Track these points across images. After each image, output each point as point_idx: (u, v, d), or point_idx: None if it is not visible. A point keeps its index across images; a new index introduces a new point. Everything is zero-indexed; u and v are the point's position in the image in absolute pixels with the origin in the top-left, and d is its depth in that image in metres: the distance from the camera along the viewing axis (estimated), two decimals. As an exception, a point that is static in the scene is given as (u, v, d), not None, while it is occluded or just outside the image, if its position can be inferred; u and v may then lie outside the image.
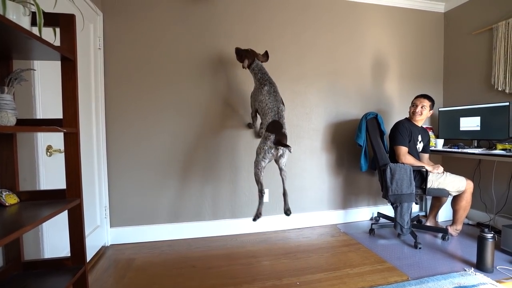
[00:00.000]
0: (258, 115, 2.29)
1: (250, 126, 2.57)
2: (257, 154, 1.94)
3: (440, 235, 2.49)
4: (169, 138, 2.43)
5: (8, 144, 1.18)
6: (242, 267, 1.97)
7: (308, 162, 2.77)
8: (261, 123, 2.10)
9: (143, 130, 2.39)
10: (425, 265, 1.97)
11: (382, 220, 2.89)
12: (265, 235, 2.58)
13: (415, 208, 3.15)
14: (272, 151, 1.88)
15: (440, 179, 2.36)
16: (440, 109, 2.95)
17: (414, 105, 2.48)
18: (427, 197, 3.02)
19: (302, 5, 2.68)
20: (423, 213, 3.14)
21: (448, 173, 2.40)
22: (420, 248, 2.23)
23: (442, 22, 3.13)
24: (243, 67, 2.14)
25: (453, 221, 2.46)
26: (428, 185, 2.34)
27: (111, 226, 2.37)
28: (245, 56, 2.16)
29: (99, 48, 2.27)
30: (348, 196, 2.93)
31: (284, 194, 1.99)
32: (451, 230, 2.45)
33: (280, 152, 1.91)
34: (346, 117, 2.86)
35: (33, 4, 1.08)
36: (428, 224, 2.62)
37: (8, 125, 1.00)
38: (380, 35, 2.92)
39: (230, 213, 2.60)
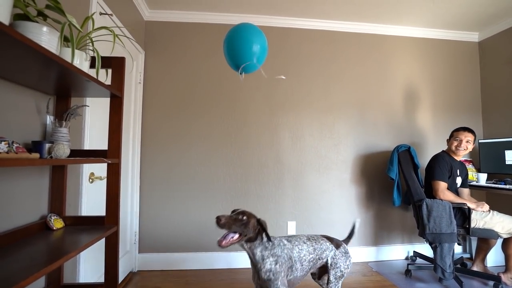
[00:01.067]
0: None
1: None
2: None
3: (490, 283, 2.21)
4: (198, 168, 2.51)
5: (60, 173, 1.30)
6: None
7: (337, 194, 2.69)
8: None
9: (174, 160, 2.50)
10: (474, 318, 1.75)
11: (419, 260, 2.65)
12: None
13: (457, 249, 2.86)
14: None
15: (486, 218, 2.15)
16: (480, 141, 2.77)
17: (457, 139, 2.35)
18: (472, 238, 2.75)
19: (329, 37, 2.77)
20: (467, 255, 2.84)
21: (495, 212, 2.18)
22: (466, 296, 2.00)
23: (476, 51, 3.05)
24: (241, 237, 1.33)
25: (506, 268, 2.19)
26: (472, 225, 2.14)
27: (139, 252, 2.42)
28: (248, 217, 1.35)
29: (139, 83, 2.49)
30: (380, 232, 2.76)
31: None
32: (504, 278, 2.16)
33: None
34: (376, 149, 2.79)
35: (92, 50, 1.24)
36: (475, 269, 2.35)
37: (63, 156, 1.10)
38: (411, 66, 2.90)
39: (256, 244, 2.54)
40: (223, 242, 1.26)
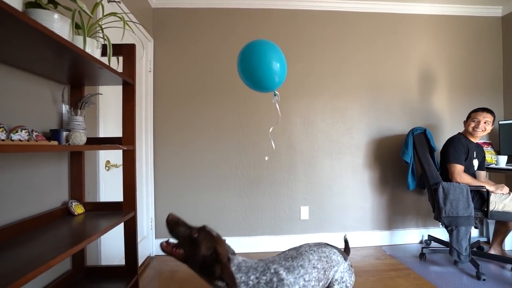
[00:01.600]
0: None
1: None
2: None
3: (508, 266, 2.18)
4: (211, 155, 2.53)
5: (78, 160, 1.33)
6: None
7: (350, 179, 2.67)
8: None
9: (187, 147, 2.52)
10: (491, 300, 1.74)
11: (434, 244, 2.63)
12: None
13: (474, 232, 2.82)
14: None
15: (505, 200, 2.09)
16: (500, 122, 2.65)
17: (475, 120, 2.26)
18: (489, 221, 2.69)
19: (342, 18, 2.67)
20: (484, 239, 2.79)
21: (515, 194, 2.12)
22: (484, 280, 1.98)
23: (499, 27, 2.88)
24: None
25: (524, 251, 2.15)
26: (491, 208, 2.09)
27: (155, 238, 2.49)
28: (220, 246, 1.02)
29: (150, 71, 2.49)
30: (393, 216, 2.73)
31: None
32: (522, 261, 2.13)
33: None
34: (390, 133, 2.72)
35: (103, 38, 1.24)
36: (492, 252, 2.32)
37: (81, 144, 1.13)
38: (427, 45, 2.78)
39: (270, 229, 2.58)
40: (164, 245, 1.02)
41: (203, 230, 1.02)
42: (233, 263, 1.01)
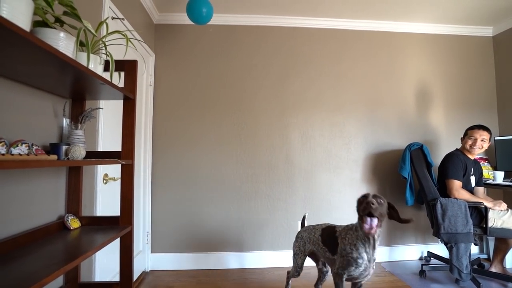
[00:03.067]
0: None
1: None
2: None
3: (510, 285, 2.15)
4: (209, 169, 2.53)
5: (76, 174, 1.33)
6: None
7: (348, 194, 2.66)
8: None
9: (185, 160, 2.52)
10: (493, 320, 1.70)
11: (433, 261, 2.60)
12: (303, 270, 2.45)
13: (474, 249, 2.79)
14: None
15: (504, 217, 2.09)
16: (496, 138, 2.69)
17: (472, 138, 2.28)
18: (489, 237, 2.67)
19: (339, 36, 2.75)
20: (484, 256, 2.76)
21: (513, 211, 2.12)
22: (485, 298, 1.94)
23: (491, 46, 2.97)
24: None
25: (525, 269, 2.12)
26: (489, 224, 2.08)
27: (151, 252, 2.45)
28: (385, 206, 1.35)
29: (150, 85, 2.53)
30: (392, 232, 2.71)
31: None
32: (523, 279, 2.10)
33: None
34: (388, 148, 2.74)
35: (106, 54, 1.27)
36: (493, 270, 2.28)
37: (80, 158, 1.13)
38: (423, 63, 2.85)
39: (268, 244, 2.54)
40: (372, 230, 1.24)
41: (375, 196, 1.31)
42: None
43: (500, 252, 2.30)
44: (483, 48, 2.96)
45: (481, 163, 2.59)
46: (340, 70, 2.73)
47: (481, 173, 2.39)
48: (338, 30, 2.75)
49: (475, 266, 2.32)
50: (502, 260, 2.31)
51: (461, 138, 2.38)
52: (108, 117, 1.74)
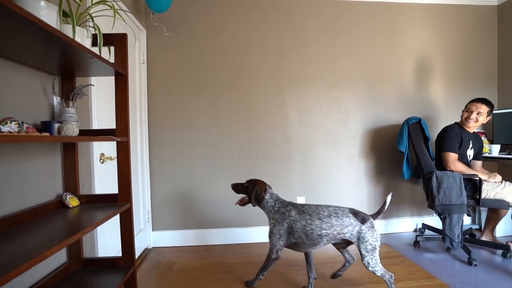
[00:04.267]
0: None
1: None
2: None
3: (499, 252, 2.24)
4: (206, 146, 2.52)
5: (71, 153, 1.32)
6: (279, 275, 1.96)
7: (346, 170, 2.68)
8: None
9: (182, 139, 2.51)
10: (482, 285, 1.78)
11: (427, 232, 2.68)
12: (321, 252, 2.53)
13: (466, 220, 2.87)
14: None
15: (497, 188, 2.13)
16: (494, 112, 2.68)
17: (468, 110, 2.27)
18: (481, 208, 2.74)
19: (336, 8, 2.64)
20: (476, 226, 2.85)
21: (508, 182, 2.16)
22: (475, 265, 2.03)
23: (495, 16, 2.87)
24: (263, 199, 1.68)
25: (515, 237, 2.20)
26: (483, 195, 2.13)
27: (153, 230, 2.50)
28: (253, 185, 1.72)
29: (143, 63, 2.45)
30: (388, 206, 2.76)
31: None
32: (513, 246, 2.18)
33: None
34: (386, 123, 2.73)
35: (93, 27, 1.21)
36: (484, 239, 2.37)
37: (73, 135, 1.11)
38: (422, 35, 2.77)
39: (267, 220, 2.59)
40: (236, 202, 1.78)
41: (249, 180, 1.75)
42: (268, 191, 1.71)
43: (491, 222, 2.37)
44: (486, 18, 2.86)
45: (478, 137, 2.59)
46: (337, 44, 2.64)
47: (481, 147, 2.40)
48: (335, 2, 2.63)
49: (467, 236, 2.40)
50: (492, 230, 2.40)
51: (462, 111, 2.37)
52: (101, 95, 1.69)
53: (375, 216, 1.66)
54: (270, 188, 1.75)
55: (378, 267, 1.54)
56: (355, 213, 1.59)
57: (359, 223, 1.55)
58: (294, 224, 1.58)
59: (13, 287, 1.01)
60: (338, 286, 1.80)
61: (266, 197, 1.68)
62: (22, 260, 0.68)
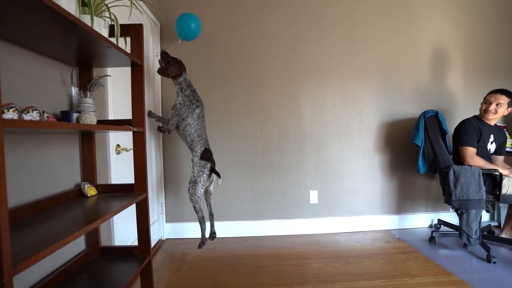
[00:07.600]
0: (178, 130, 2.04)
1: (161, 130, 2.33)
2: (195, 182, 1.89)
3: (520, 249, 2.16)
4: (219, 139, 2.52)
5: (89, 143, 1.34)
6: (292, 268, 1.95)
7: (360, 164, 2.64)
8: (190, 146, 1.98)
9: (195, 131, 2.51)
10: (503, 283, 1.73)
11: (443, 228, 2.62)
12: (313, 237, 2.52)
13: (485, 217, 2.79)
14: (209, 178, 1.96)
15: (519, 184, 2.05)
16: (516, 105, 2.56)
17: (487, 102, 2.19)
18: (501, 205, 2.65)
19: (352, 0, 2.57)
20: (495, 223, 2.77)
21: (529, 178, 2.07)
22: (494, 262, 1.97)
23: (518, 5, 2.74)
24: (168, 75, 1.91)
25: (537, 234, 2.12)
26: (503, 191, 2.05)
27: (166, 221, 2.54)
28: (173, 64, 1.92)
29: (157, 55, 2.45)
30: (403, 201, 2.72)
31: (211, 216, 2.11)
32: (534, 244, 2.11)
33: (213, 179, 2.03)
34: (402, 116, 2.66)
35: (110, 18, 1.22)
36: (503, 236, 2.30)
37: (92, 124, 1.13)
38: (441, 25, 2.66)
39: (279, 213, 2.59)
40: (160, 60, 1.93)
41: (175, 59, 1.93)
42: (183, 76, 1.95)
43: (512, 218, 2.29)
44: (508, 6, 2.73)
45: (499, 131, 2.49)
46: (352, 35, 2.58)
47: (504, 141, 2.30)
48: (351, -10, 2.55)
49: (485, 233, 2.33)
50: (513, 227, 2.31)
51: (481, 104, 2.28)
52: (117, 87, 1.71)
53: (213, 163, 1.97)
54: (185, 73, 1.97)
55: (193, 198, 1.88)
56: (208, 151, 1.96)
57: (198, 156, 1.92)
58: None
59: (37, 271, 1.04)
60: (352, 280, 1.78)
61: (180, 80, 1.92)
62: (47, 243, 0.69)
